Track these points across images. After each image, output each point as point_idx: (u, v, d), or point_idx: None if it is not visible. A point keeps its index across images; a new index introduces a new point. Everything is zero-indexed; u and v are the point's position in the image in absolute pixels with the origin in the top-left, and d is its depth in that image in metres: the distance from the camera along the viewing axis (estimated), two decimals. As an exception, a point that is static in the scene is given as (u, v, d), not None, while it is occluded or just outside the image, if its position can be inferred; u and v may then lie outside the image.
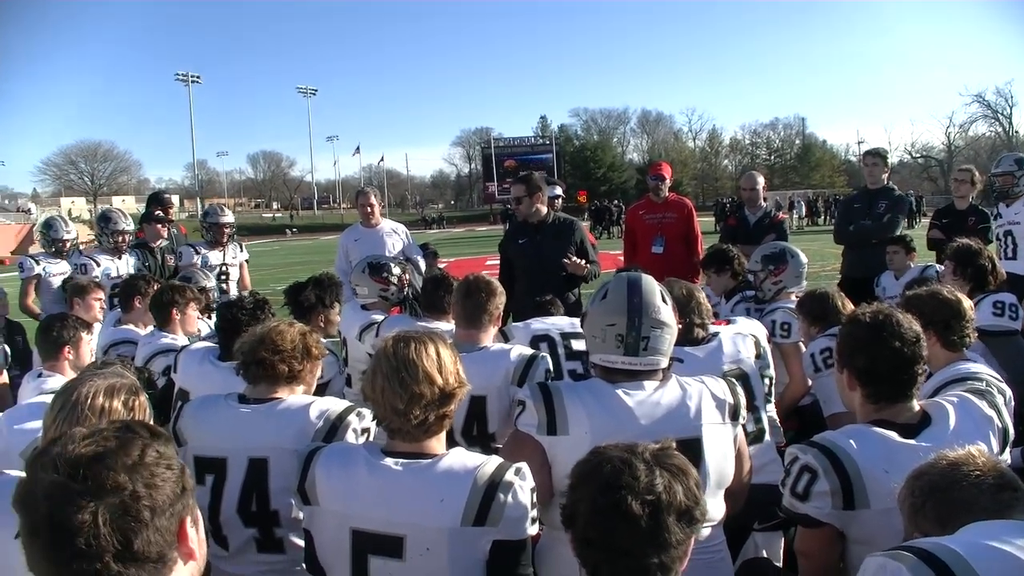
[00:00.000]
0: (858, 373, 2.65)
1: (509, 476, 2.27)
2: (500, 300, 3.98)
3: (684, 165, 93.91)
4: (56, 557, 1.29)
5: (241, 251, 8.63)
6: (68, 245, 7.84)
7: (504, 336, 4.43)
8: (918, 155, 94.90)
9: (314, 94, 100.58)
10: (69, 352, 4.40)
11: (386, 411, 2.34)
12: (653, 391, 2.65)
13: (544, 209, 6.52)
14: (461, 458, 2.35)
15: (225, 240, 8.31)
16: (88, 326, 4.67)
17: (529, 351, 3.83)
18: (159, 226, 8.22)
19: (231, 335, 3.76)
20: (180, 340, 4.81)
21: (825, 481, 2.43)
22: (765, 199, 8.06)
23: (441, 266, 10.00)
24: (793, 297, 5.16)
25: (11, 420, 3.40)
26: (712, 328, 3.77)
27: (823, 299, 4.61)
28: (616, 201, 55.67)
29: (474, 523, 2.23)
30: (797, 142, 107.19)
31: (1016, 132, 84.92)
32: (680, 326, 2.83)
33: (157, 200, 8.85)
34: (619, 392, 2.63)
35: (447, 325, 4.45)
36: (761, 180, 8.00)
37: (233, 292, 8.29)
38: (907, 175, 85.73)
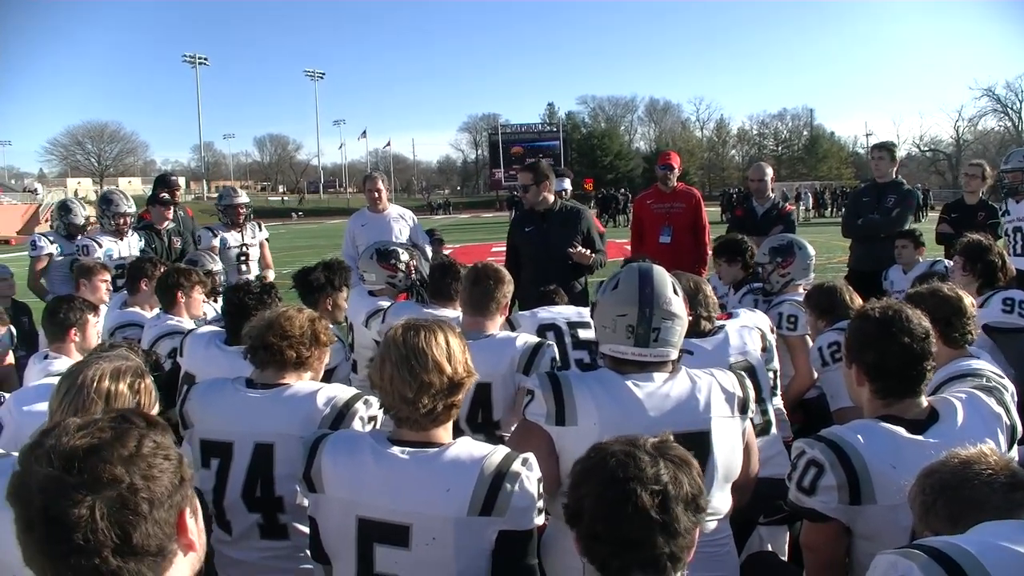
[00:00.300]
0: (867, 368, 2.63)
1: (516, 466, 2.26)
2: (508, 288, 3.97)
3: (691, 155, 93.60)
4: (53, 552, 1.26)
5: (260, 230, 8.64)
6: (89, 225, 7.86)
7: (511, 325, 4.41)
8: (926, 149, 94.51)
9: (321, 77, 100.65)
10: (75, 334, 4.40)
11: (394, 399, 2.33)
12: (663, 383, 2.64)
13: (551, 197, 6.49)
14: (468, 447, 2.34)
15: (242, 220, 8.32)
16: (94, 308, 4.68)
17: (535, 339, 3.82)
18: (165, 208, 8.20)
19: (238, 319, 3.75)
20: (186, 323, 4.81)
21: (832, 476, 2.43)
22: (773, 190, 8.03)
23: (446, 252, 9.97)
24: (800, 289, 5.14)
25: (19, 402, 3.40)
26: (718, 322, 3.76)
27: (831, 292, 4.59)
28: (623, 190, 55.57)
29: (480, 513, 2.22)
30: (805, 133, 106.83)
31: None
32: (690, 318, 2.83)
33: (164, 182, 8.84)
34: (628, 383, 2.62)
35: (454, 312, 4.44)
36: (769, 171, 7.97)
37: (255, 272, 8.32)
38: (915, 168, 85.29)
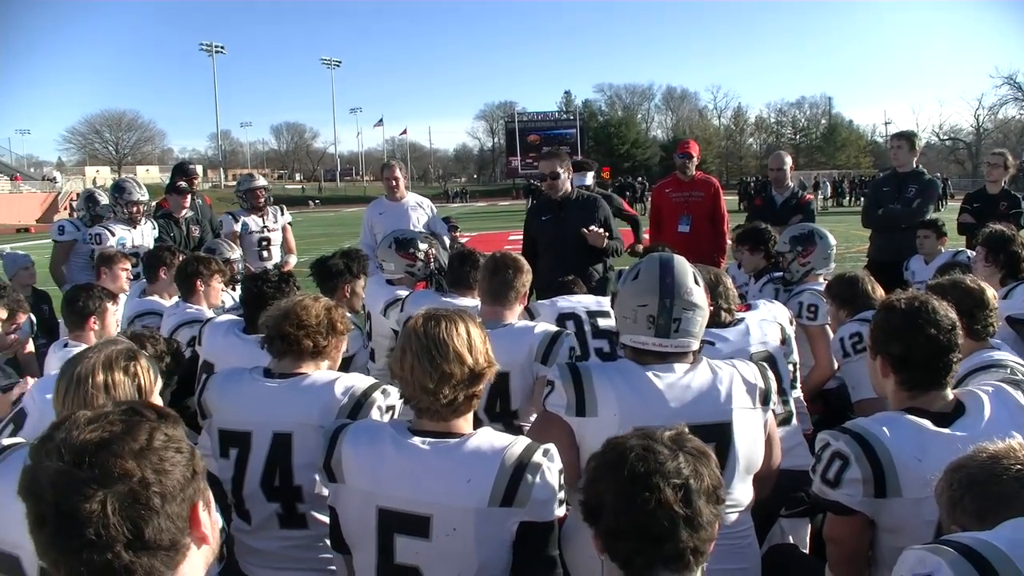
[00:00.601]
0: (892, 360, 2.60)
1: (537, 457, 2.25)
2: (527, 277, 3.95)
3: (708, 143, 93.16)
4: (65, 547, 1.25)
5: (283, 215, 8.61)
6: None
7: (530, 314, 4.39)
8: (946, 137, 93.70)
9: (338, 66, 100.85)
10: (95, 322, 4.41)
11: (415, 390, 2.32)
12: (683, 374, 2.63)
13: (569, 186, 6.46)
14: (489, 438, 2.33)
15: (262, 204, 8.30)
16: (114, 296, 4.67)
17: (553, 328, 3.81)
18: (183, 197, 8.21)
19: (256, 308, 3.75)
20: (205, 311, 4.81)
21: (857, 468, 2.40)
22: (791, 179, 7.97)
23: (462, 240, 9.96)
24: (821, 279, 5.11)
25: (43, 390, 3.40)
26: (737, 314, 3.74)
27: (853, 283, 4.55)
28: (640, 178, 55.42)
29: (501, 504, 2.21)
30: (823, 122, 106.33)
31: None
32: (711, 309, 2.80)
33: (182, 171, 8.83)
34: (649, 374, 2.60)
35: (472, 301, 4.43)
36: (789, 160, 7.91)
37: (276, 257, 8.31)
38: (934, 157, 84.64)
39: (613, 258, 6.44)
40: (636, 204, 43.45)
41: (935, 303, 2.61)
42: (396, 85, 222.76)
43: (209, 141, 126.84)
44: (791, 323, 4.01)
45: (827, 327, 4.73)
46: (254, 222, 8.21)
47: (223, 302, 5.33)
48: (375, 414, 2.86)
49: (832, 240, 5.27)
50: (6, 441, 2.46)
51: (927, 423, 2.46)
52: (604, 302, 4.63)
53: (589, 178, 8.15)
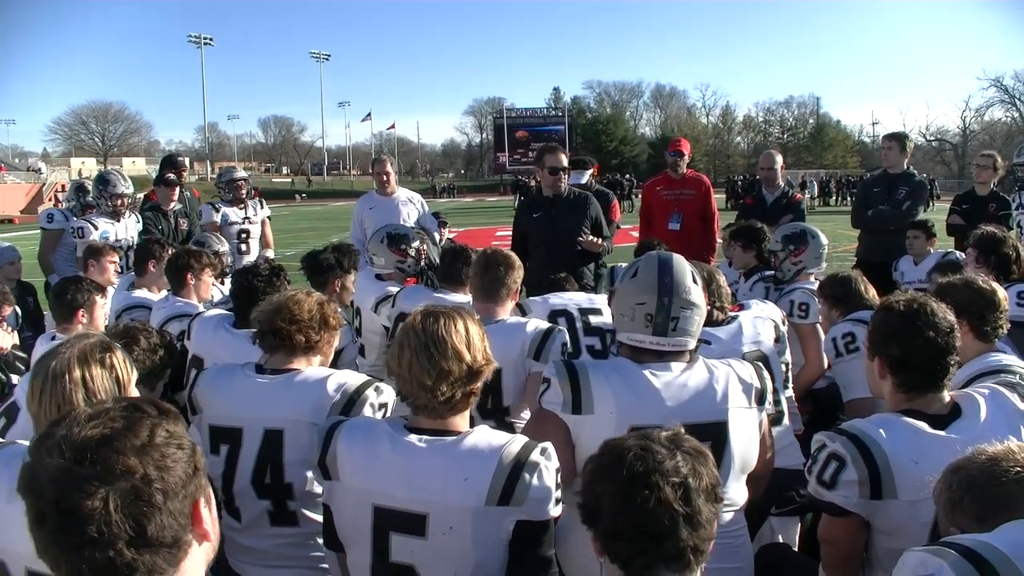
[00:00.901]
0: (890, 362, 2.60)
1: (535, 456, 2.24)
2: (519, 274, 3.94)
3: (696, 141, 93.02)
4: (66, 544, 1.23)
5: (262, 208, 8.59)
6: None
7: (521, 310, 4.38)
8: (932, 138, 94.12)
9: (327, 59, 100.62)
10: (83, 316, 4.37)
11: (412, 387, 2.30)
12: (680, 372, 2.62)
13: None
14: (486, 436, 2.32)
15: (243, 195, 8.28)
16: (102, 290, 4.63)
17: (546, 324, 3.80)
18: (171, 189, 8.15)
19: (246, 303, 3.71)
20: (195, 305, 4.77)
21: (853, 470, 2.40)
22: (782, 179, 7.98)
23: (450, 236, 9.92)
24: (812, 279, 5.11)
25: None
26: (730, 313, 3.74)
27: (846, 283, 4.55)
28: (628, 175, 55.43)
29: (498, 503, 2.20)
30: (811, 121, 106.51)
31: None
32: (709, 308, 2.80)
33: (170, 163, 8.78)
34: (646, 372, 2.60)
35: (464, 297, 4.41)
36: (779, 159, 7.92)
37: (255, 251, 8.27)
38: (921, 158, 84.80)
39: (604, 256, 6.45)
40: (624, 201, 43.57)
41: (934, 305, 2.61)
42: (385, 79, 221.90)
43: (196, 133, 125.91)
44: (783, 323, 4.01)
45: (818, 326, 4.73)
46: (235, 214, 8.18)
47: (212, 296, 5.29)
48: (368, 411, 2.84)
49: (824, 239, 5.28)
50: None
51: (924, 425, 2.46)
52: (596, 299, 4.62)
53: (586, 176, 8.13)
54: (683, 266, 2.70)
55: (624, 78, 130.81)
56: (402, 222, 7.26)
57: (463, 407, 2.36)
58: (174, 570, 1.32)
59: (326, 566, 2.74)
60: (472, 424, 2.44)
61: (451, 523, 2.21)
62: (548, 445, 2.31)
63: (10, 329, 4.83)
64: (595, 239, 6.19)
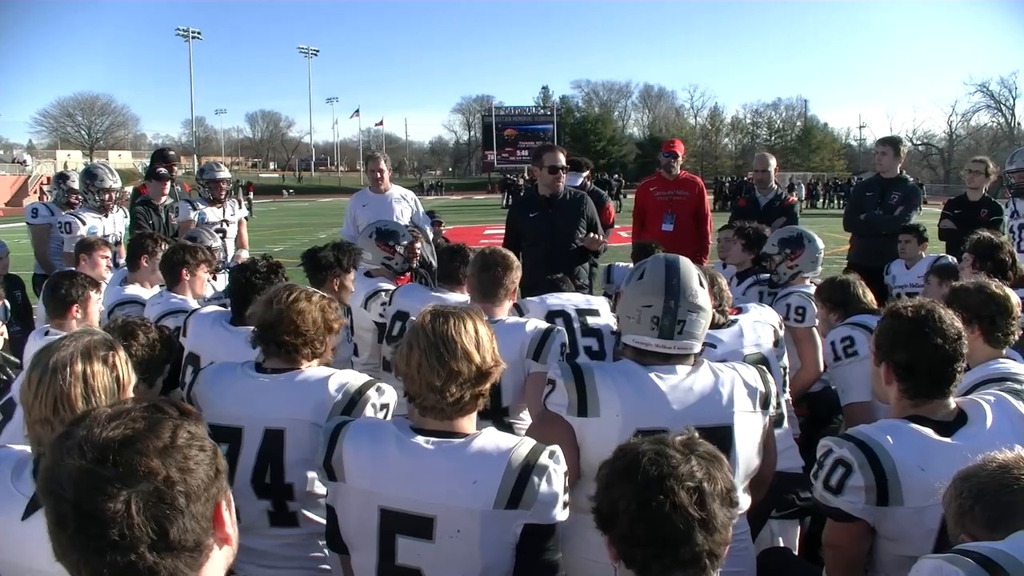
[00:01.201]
0: (897, 368, 2.60)
1: (544, 459, 2.22)
2: (516, 274, 3.94)
3: (684, 142, 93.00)
4: (87, 548, 1.20)
5: (240, 208, 8.49)
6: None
7: (519, 311, 4.37)
8: (919, 142, 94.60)
9: (315, 55, 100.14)
10: (77, 310, 4.32)
11: (421, 387, 2.28)
12: (686, 376, 2.61)
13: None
14: (494, 439, 2.30)
15: (223, 196, 8.15)
16: (97, 285, 4.59)
17: (545, 324, 3.79)
18: (163, 183, 8.07)
19: (244, 300, 3.68)
20: (190, 301, 4.72)
21: (860, 476, 2.39)
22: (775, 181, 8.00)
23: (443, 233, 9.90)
24: (808, 282, 5.12)
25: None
26: (730, 316, 3.74)
27: (844, 287, 4.55)
28: (617, 175, 55.46)
29: (507, 506, 2.18)
30: (798, 124, 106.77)
31: (1018, 124, 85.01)
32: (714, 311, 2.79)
33: (162, 157, 8.68)
34: (652, 375, 2.59)
35: (461, 296, 4.40)
36: (773, 162, 7.95)
37: (231, 251, 8.16)
38: (907, 162, 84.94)
39: (598, 256, 6.46)
40: (613, 201, 43.60)
41: (941, 311, 2.61)
42: (373, 76, 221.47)
43: (183, 127, 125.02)
44: (781, 327, 4.01)
45: (814, 330, 4.74)
46: (212, 213, 8.02)
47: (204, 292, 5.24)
48: (369, 412, 2.82)
49: (820, 243, 5.28)
50: None
51: (930, 432, 2.46)
52: (593, 300, 4.62)
53: (580, 178, 8.12)
54: (690, 269, 2.69)
55: (613, 78, 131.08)
56: (395, 219, 7.22)
57: (471, 409, 2.35)
58: (195, 574, 1.28)
59: (327, 567, 2.72)
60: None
61: (459, 526, 2.19)
62: (556, 448, 2.29)
63: None
64: (595, 236, 6.19)
